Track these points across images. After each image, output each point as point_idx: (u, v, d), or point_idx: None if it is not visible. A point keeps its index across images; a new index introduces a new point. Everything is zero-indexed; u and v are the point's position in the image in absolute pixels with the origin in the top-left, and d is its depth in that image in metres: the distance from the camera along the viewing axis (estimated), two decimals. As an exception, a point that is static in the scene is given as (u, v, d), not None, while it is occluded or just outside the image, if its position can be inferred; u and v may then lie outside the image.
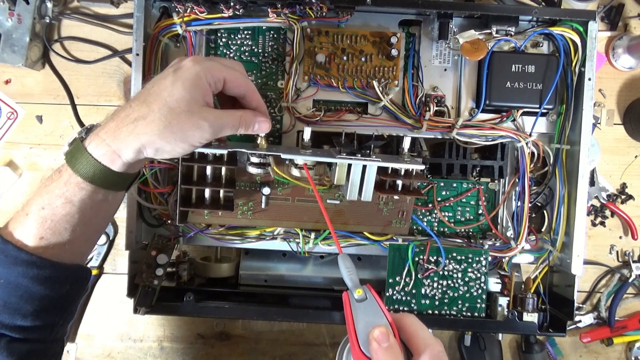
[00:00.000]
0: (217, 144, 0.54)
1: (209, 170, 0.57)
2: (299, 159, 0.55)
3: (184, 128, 0.46)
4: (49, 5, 0.73)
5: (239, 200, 0.62)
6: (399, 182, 0.58)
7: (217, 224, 0.64)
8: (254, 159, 0.56)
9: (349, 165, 0.55)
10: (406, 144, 0.58)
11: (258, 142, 0.55)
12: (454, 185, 0.67)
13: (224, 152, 0.55)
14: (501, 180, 0.66)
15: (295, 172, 0.57)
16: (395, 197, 0.61)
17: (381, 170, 0.57)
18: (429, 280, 0.63)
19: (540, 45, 0.65)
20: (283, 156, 0.55)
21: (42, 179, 0.47)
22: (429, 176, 0.66)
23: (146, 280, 0.61)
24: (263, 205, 0.62)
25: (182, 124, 0.45)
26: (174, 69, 0.47)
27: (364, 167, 0.55)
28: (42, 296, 0.46)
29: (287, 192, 0.63)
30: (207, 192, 0.58)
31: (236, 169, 0.59)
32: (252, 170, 0.57)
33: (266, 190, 0.61)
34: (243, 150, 0.55)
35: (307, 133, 0.56)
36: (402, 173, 0.57)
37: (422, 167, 0.56)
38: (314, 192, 0.60)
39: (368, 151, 0.57)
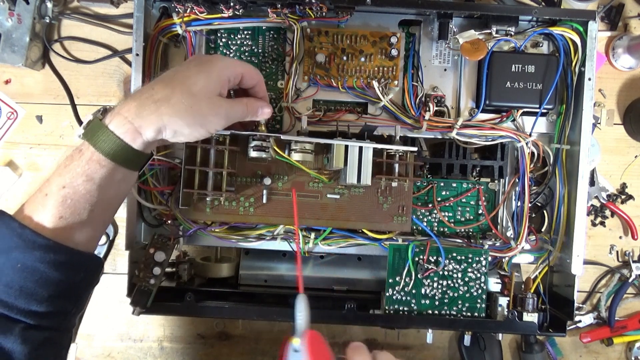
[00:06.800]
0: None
1: (212, 152, 0.59)
2: (298, 140, 0.59)
3: (204, 114, 0.49)
4: (49, 5, 0.73)
5: (240, 195, 0.62)
6: (396, 166, 0.61)
7: (218, 221, 0.64)
8: (256, 143, 0.59)
9: (346, 152, 0.58)
10: (397, 132, 0.62)
11: (259, 128, 0.59)
12: (454, 185, 0.67)
13: (227, 133, 0.58)
14: (501, 180, 0.66)
15: (296, 156, 0.59)
16: (394, 184, 0.62)
17: (378, 157, 0.60)
18: (429, 280, 0.63)
19: (540, 45, 0.65)
20: (283, 137, 0.59)
21: (59, 162, 0.48)
22: (428, 175, 0.67)
23: (142, 279, 0.60)
24: (264, 200, 0.62)
25: (202, 109, 0.49)
26: (198, 62, 0.51)
27: (361, 150, 0.58)
28: (58, 281, 0.46)
29: (288, 187, 0.63)
30: (210, 174, 0.60)
31: (238, 164, 0.62)
32: (254, 153, 0.59)
33: (267, 181, 0.62)
34: (245, 132, 0.59)
35: (304, 121, 0.60)
36: (397, 159, 0.61)
37: (415, 149, 0.60)
38: (314, 186, 0.63)
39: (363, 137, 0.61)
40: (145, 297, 0.60)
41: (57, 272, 0.46)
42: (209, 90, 0.49)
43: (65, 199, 0.46)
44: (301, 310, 0.45)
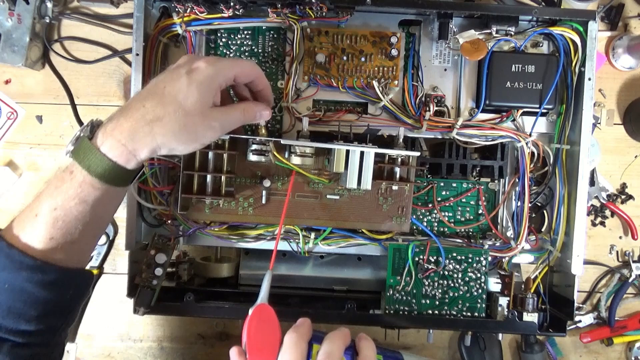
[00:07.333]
0: None
1: (210, 155, 0.59)
2: (298, 145, 0.58)
3: (198, 130, 0.48)
4: (49, 5, 0.73)
5: (239, 195, 0.62)
6: (397, 170, 0.60)
7: (218, 221, 0.64)
8: (255, 146, 0.58)
9: (347, 155, 0.58)
10: (400, 134, 0.61)
11: (259, 130, 0.58)
12: (454, 185, 0.67)
13: (226, 137, 0.58)
14: (501, 180, 0.66)
15: (296, 160, 0.59)
16: (394, 187, 0.62)
17: (379, 161, 0.60)
18: (429, 280, 0.63)
19: (540, 45, 0.65)
20: (283, 142, 0.58)
21: (48, 180, 0.47)
22: (428, 175, 0.67)
23: (145, 280, 0.60)
24: (264, 201, 0.62)
25: (196, 126, 0.48)
26: (187, 70, 0.48)
27: (362, 155, 0.58)
28: (46, 300, 0.45)
29: (287, 187, 0.63)
30: (209, 179, 0.60)
31: (237, 164, 0.61)
32: (253, 157, 0.58)
33: (267, 182, 0.62)
34: (244, 136, 0.58)
35: (305, 123, 0.60)
36: (399, 162, 0.60)
37: (417, 153, 0.60)
38: (314, 186, 0.63)
39: (364, 142, 0.60)
40: (148, 297, 0.60)
41: (46, 292, 0.45)
42: (202, 104, 0.48)
43: (57, 221, 0.45)
44: (266, 283, 0.49)
